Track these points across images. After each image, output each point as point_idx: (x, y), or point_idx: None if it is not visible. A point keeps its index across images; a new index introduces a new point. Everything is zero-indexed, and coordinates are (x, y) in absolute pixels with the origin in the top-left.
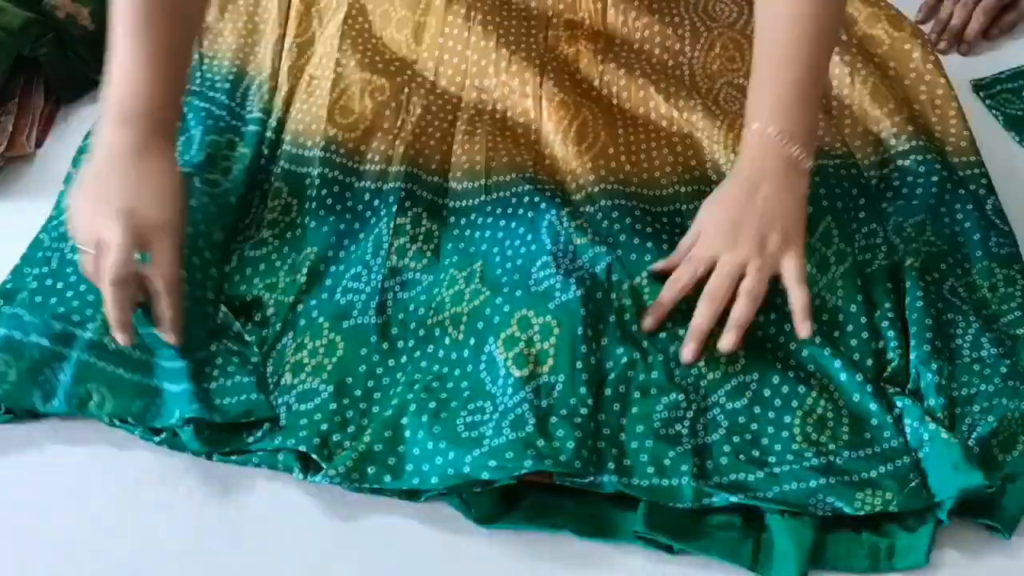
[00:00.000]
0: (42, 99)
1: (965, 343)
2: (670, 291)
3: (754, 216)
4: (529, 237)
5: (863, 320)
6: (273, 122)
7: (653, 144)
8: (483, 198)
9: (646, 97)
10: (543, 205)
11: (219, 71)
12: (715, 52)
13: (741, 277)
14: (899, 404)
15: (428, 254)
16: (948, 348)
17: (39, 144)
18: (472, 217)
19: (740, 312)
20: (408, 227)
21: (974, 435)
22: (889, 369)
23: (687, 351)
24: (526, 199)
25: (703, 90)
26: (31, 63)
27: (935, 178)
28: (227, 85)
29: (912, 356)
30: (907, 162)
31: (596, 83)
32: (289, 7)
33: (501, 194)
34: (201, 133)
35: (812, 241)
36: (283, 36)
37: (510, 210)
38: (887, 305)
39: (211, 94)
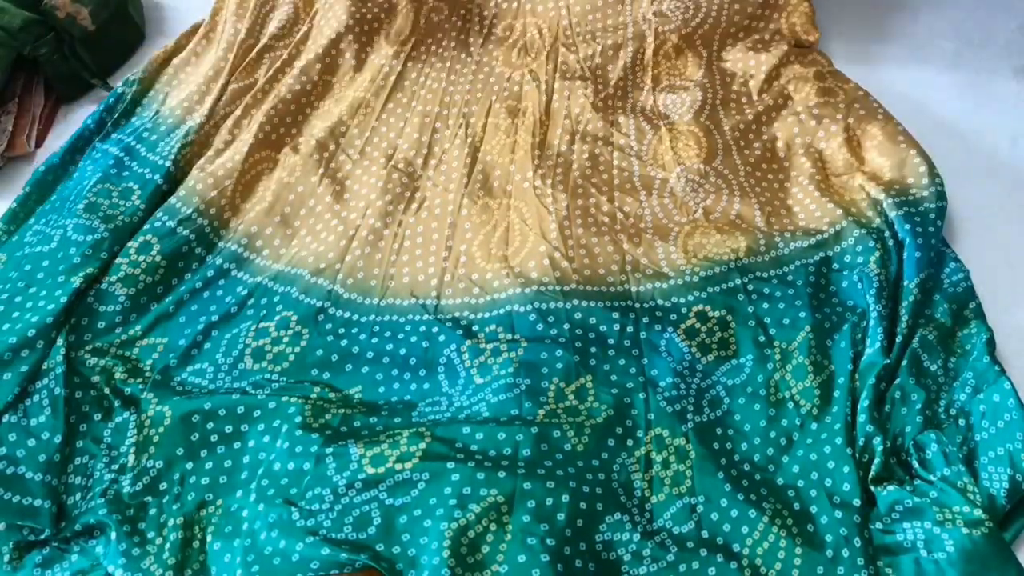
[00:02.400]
0: (42, 99)
1: (941, 407)
2: None
3: None
4: (422, 372)
5: (837, 426)
6: (173, 169)
7: (595, 240)
8: (372, 317)
9: (586, 194)
10: (442, 337)
11: (160, 126)
12: (665, 145)
13: None
14: (905, 502)
15: (291, 358)
16: (936, 414)
17: (39, 144)
18: (354, 332)
19: None
20: (272, 331)
21: (1000, 493)
22: (873, 468)
23: None
24: (422, 328)
25: (656, 182)
26: (31, 63)
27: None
28: (153, 137)
29: (908, 429)
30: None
31: (530, 175)
32: (244, 54)
33: (394, 318)
34: (96, 180)
35: (788, 349)
36: (227, 84)
37: (401, 335)
38: (864, 394)
39: (135, 144)
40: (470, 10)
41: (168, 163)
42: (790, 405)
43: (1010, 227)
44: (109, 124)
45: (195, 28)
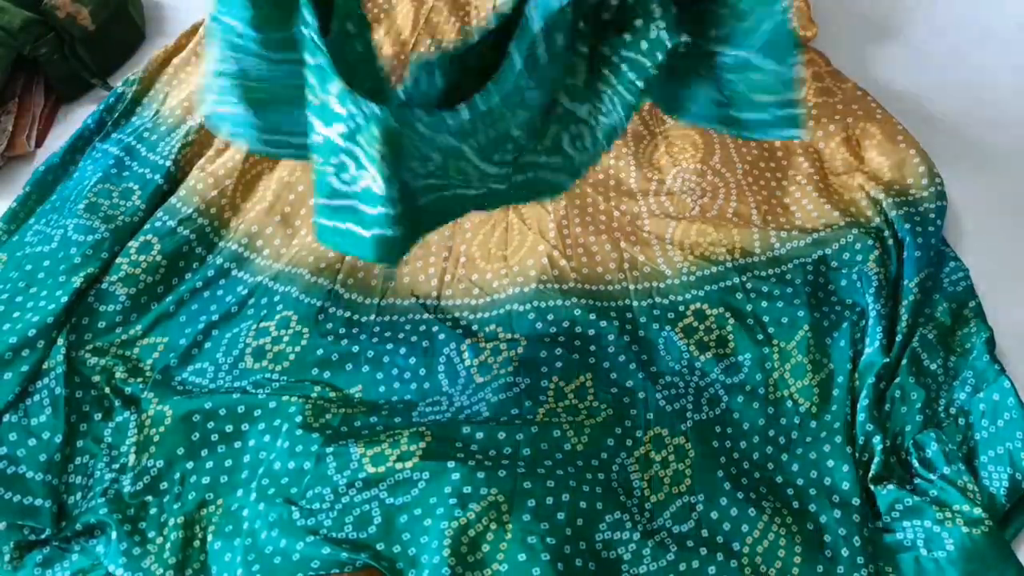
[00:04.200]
0: (42, 99)
1: (941, 406)
2: None
3: None
4: (422, 372)
5: (837, 425)
6: (173, 169)
7: (592, 239)
8: (373, 317)
9: (583, 193)
10: (442, 336)
11: (161, 125)
12: (661, 150)
13: None
14: (905, 501)
15: (291, 357)
16: (936, 413)
17: (39, 144)
18: (354, 332)
19: None
20: (272, 330)
21: (1000, 492)
22: (873, 467)
23: None
24: (422, 327)
25: (653, 184)
26: (31, 63)
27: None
28: (153, 137)
29: (907, 428)
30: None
31: None
32: None
33: (394, 318)
34: (96, 180)
35: (787, 347)
36: None
37: (401, 335)
38: (864, 393)
39: (135, 144)
40: (468, 11)
41: (168, 163)
42: (789, 404)
43: (1010, 227)
44: (109, 124)
45: (195, 28)
